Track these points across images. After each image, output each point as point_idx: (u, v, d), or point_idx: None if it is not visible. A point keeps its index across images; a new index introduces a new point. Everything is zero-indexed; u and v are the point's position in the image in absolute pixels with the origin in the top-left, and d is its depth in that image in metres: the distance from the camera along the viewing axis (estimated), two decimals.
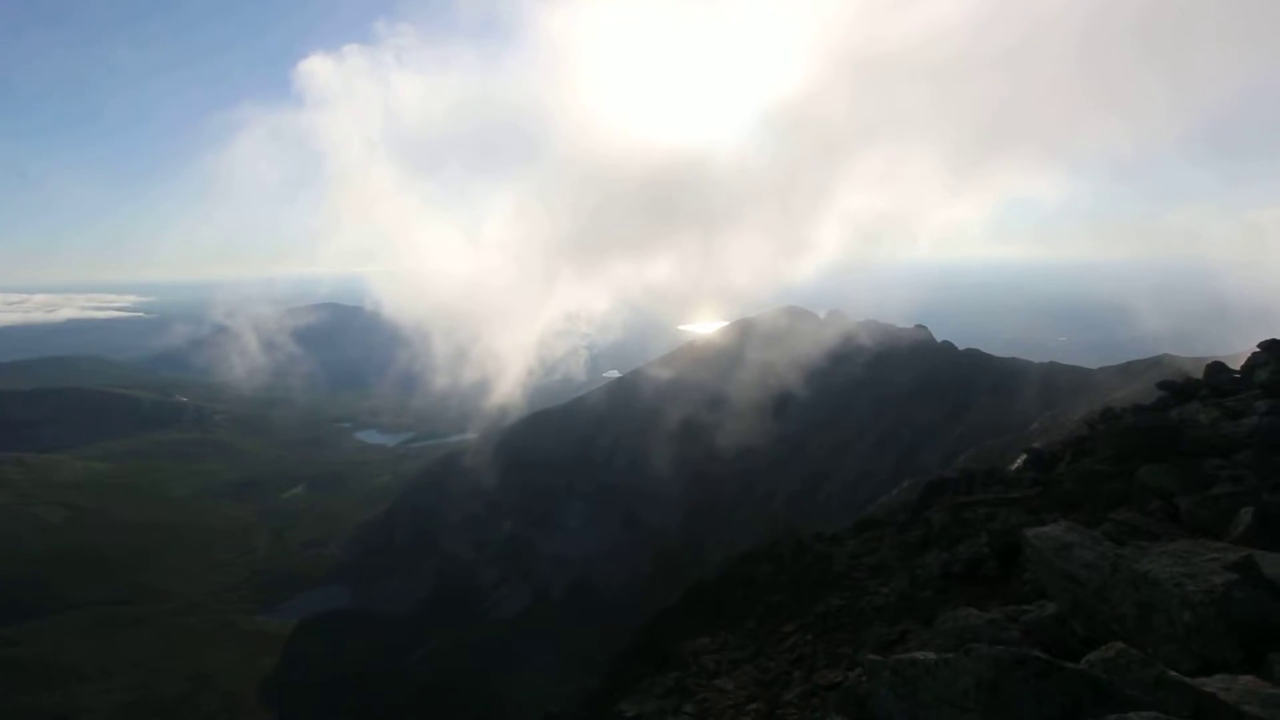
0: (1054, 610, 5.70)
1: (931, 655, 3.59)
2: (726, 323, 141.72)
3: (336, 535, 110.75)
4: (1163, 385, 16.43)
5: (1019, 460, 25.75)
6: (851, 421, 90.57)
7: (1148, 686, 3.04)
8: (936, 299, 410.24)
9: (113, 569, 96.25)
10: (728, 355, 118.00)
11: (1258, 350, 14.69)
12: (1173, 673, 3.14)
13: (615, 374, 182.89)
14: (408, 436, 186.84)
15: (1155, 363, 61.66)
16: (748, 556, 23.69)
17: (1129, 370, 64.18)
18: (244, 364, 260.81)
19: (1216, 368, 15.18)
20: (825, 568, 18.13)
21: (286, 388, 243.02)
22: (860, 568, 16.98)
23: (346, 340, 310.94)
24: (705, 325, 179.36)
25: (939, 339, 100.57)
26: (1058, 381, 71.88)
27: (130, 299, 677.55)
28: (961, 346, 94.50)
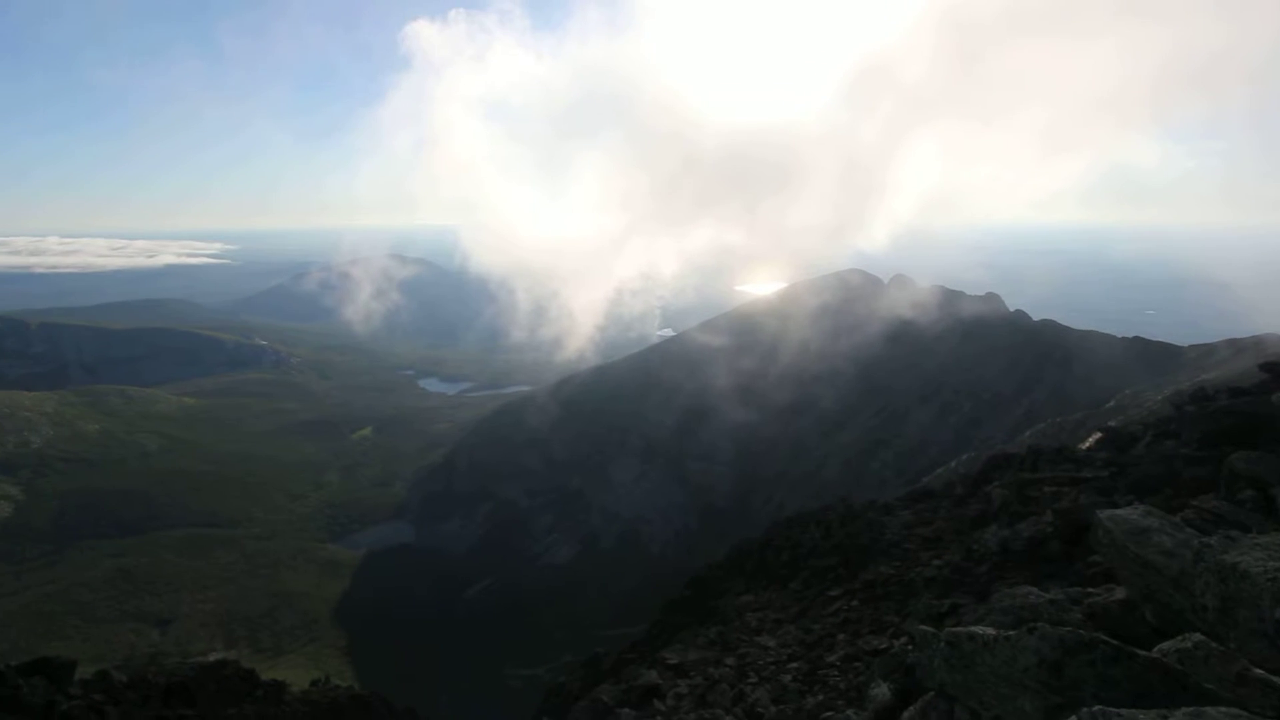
0: (1123, 596, 5.44)
1: (991, 630, 3.50)
2: (785, 284, 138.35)
3: (401, 476, 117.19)
4: (1265, 366, 15.10)
5: (1092, 439, 24.43)
6: (910, 389, 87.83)
7: (1228, 682, 2.88)
8: (1016, 266, 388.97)
9: (203, 495, 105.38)
10: (785, 317, 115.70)
11: None
12: (1258, 670, 2.96)
13: (670, 332, 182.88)
14: (467, 386, 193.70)
15: (1257, 342, 56.61)
16: (796, 520, 23.69)
17: (1225, 349, 59.28)
18: (357, 309, 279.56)
19: None
20: (875, 536, 17.94)
21: (362, 336, 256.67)
22: (912, 538, 16.72)
23: (437, 293, 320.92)
24: (764, 286, 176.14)
25: (1014, 308, 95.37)
26: (1141, 358, 67.23)
27: (217, 246, 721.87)
28: (1037, 317, 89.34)
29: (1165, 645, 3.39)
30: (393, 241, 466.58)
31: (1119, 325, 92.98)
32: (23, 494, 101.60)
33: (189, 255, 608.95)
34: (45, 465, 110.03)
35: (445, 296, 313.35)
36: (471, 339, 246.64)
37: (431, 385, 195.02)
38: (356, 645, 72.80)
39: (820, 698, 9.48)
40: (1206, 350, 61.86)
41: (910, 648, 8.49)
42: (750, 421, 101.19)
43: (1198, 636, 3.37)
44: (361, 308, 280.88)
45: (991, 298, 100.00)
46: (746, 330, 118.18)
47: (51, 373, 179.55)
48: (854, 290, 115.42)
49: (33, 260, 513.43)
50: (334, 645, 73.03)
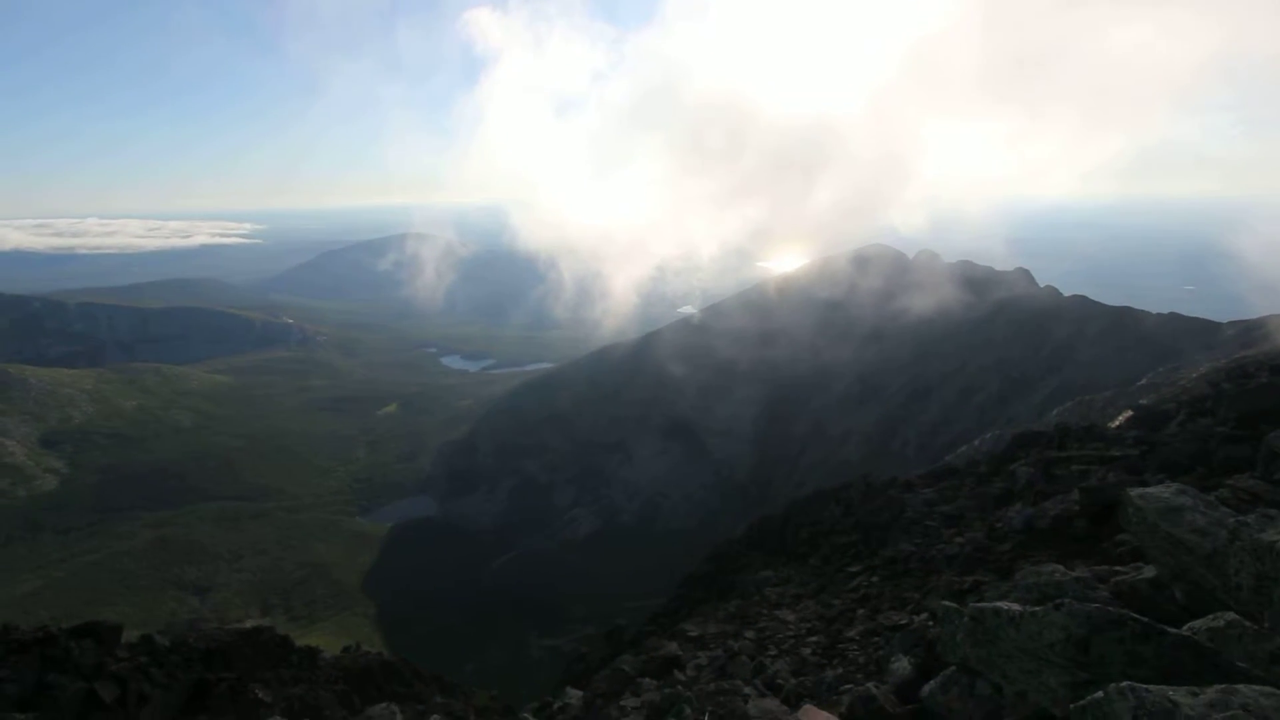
0: (1152, 575, 5.36)
1: (1016, 606, 3.48)
2: (808, 261, 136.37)
3: (425, 451, 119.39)
4: None
5: (1122, 417, 23.88)
6: (934, 367, 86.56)
7: (1261, 661, 2.82)
8: (1050, 240, 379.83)
9: (236, 469, 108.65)
10: (806, 293, 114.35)
11: None
12: None
13: (692, 310, 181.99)
14: (488, 363, 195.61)
15: None
16: (816, 497, 23.70)
17: (1265, 326, 57.18)
18: (423, 286, 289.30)
19: None
20: (896, 513, 17.87)
21: (385, 313, 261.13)
22: (934, 516, 16.61)
23: (474, 270, 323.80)
24: (786, 263, 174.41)
25: (1044, 283, 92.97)
26: (1176, 335, 65.22)
27: (247, 226, 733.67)
28: (1068, 293, 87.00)
29: (1196, 624, 3.34)
30: (429, 220, 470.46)
31: (1155, 301, 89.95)
32: (66, 467, 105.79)
33: (221, 235, 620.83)
34: (87, 440, 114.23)
35: (488, 275, 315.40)
36: (511, 316, 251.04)
37: (454, 363, 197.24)
38: (385, 614, 75.09)
39: (840, 670, 9.55)
40: (1247, 327, 59.71)
41: (931, 624, 8.49)
42: (770, 399, 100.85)
43: (1230, 615, 3.30)
44: (421, 286, 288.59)
45: (1020, 273, 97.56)
46: (768, 307, 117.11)
47: (90, 351, 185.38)
48: (877, 266, 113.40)
49: (75, 242, 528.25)
50: (363, 614, 75.42)
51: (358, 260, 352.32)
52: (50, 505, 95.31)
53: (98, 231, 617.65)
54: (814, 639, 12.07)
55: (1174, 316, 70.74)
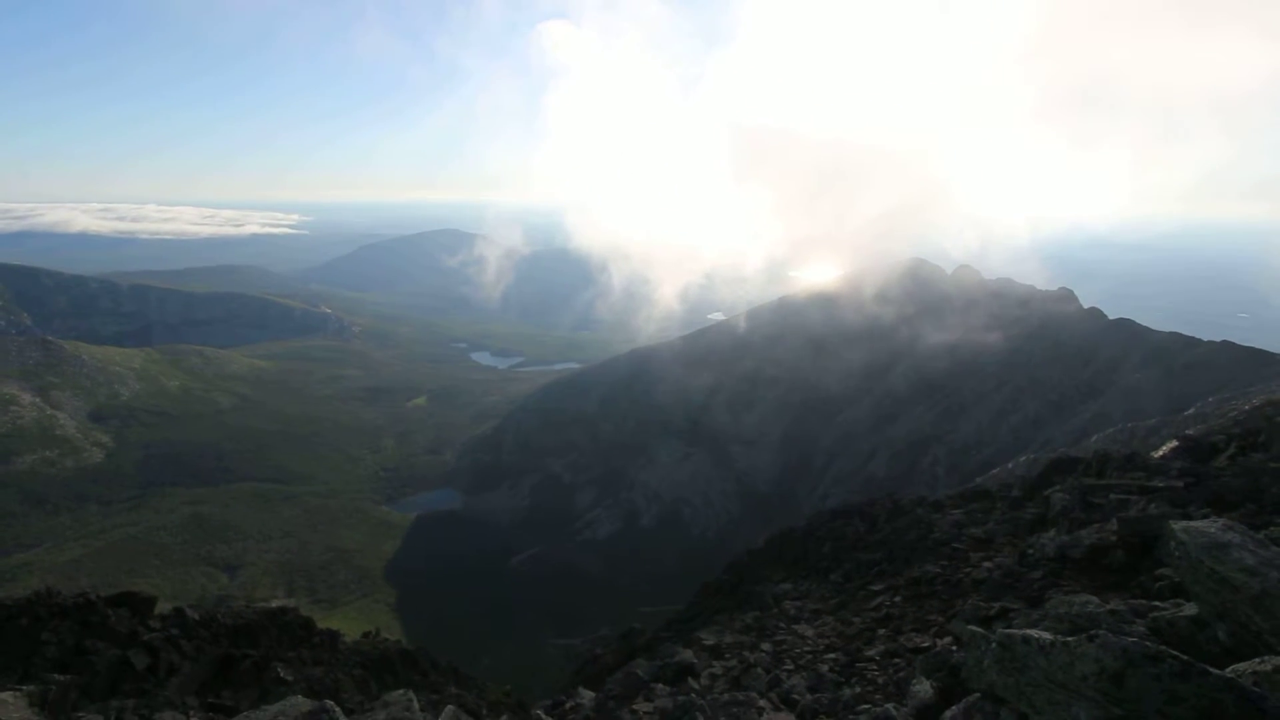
0: (1194, 613, 5.14)
1: (1047, 635, 3.36)
2: (843, 272, 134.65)
3: (451, 444, 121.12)
4: None
5: (1167, 447, 22.95)
6: (969, 385, 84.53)
7: None
8: (1099, 261, 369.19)
9: (270, 452, 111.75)
10: (840, 305, 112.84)
11: None
12: None
13: (720, 316, 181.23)
14: (517, 360, 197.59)
15: None
16: (840, 512, 23.34)
17: None
18: (488, 282, 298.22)
19: None
20: (923, 533, 17.49)
21: (419, 307, 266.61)
22: (962, 538, 16.20)
23: (540, 270, 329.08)
24: (821, 273, 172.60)
25: (1089, 305, 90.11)
26: (1228, 364, 62.52)
27: (294, 218, 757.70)
28: (1115, 315, 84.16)
29: (1241, 666, 3.19)
30: (492, 218, 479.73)
31: (1207, 328, 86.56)
32: (112, 442, 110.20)
33: (271, 225, 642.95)
34: (132, 417, 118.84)
35: (541, 275, 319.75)
36: (559, 316, 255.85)
37: (483, 359, 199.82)
38: (405, 602, 76.29)
39: (858, 690, 9.37)
40: None
41: (955, 648, 8.27)
42: (797, 409, 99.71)
43: (1279, 660, 3.14)
44: (482, 284, 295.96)
45: (1063, 293, 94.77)
46: (799, 318, 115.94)
47: (139, 331, 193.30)
48: (914, 281, 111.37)
49: (135, 227, 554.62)
50: (384, 601, 76.73)
51: (395, 254, 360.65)
52: (96, 477, 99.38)
53: (156, 218, 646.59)
54: (832, 656, 11.87)
55: (1226, 345, 67.90)
